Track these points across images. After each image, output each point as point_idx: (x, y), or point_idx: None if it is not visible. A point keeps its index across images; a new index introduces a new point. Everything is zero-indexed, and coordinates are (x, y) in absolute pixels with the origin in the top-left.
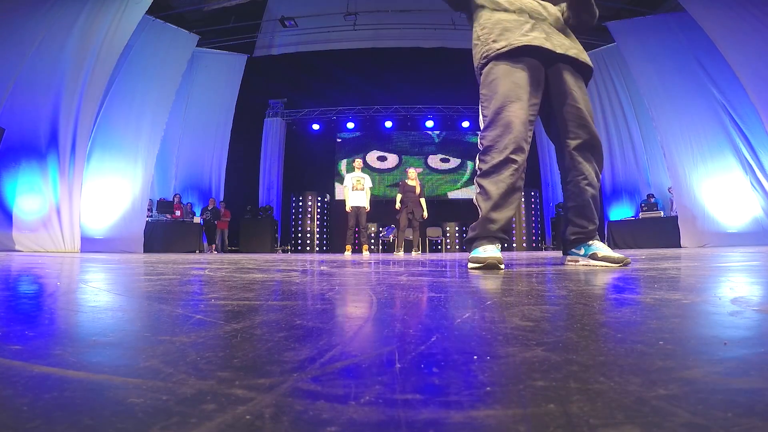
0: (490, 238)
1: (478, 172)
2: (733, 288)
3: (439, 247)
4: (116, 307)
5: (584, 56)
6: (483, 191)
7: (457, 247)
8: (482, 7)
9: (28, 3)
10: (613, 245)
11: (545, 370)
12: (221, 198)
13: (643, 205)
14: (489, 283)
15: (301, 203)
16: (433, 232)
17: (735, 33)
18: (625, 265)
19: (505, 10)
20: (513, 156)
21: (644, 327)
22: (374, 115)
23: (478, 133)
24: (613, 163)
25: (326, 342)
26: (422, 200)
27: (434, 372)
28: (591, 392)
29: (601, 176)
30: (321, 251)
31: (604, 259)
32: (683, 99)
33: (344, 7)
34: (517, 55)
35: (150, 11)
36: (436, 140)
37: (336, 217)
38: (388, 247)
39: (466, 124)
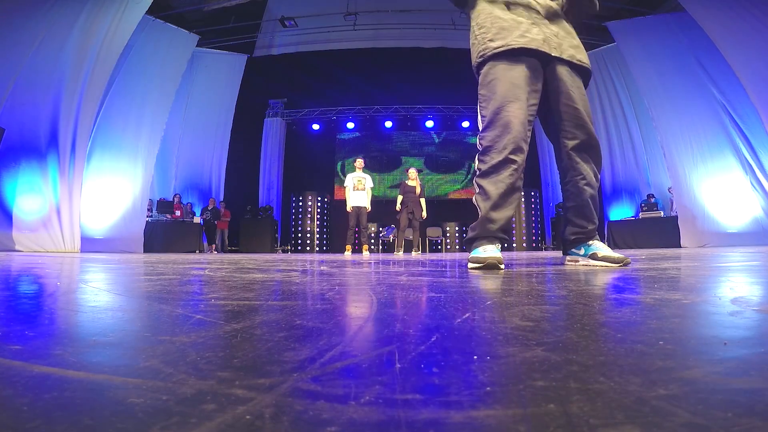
0: (490, 238)
1: (478, 173)
2: (733, 288)
3: (439, 247)
4: (116, 307)
5: (582, 56)
6: (482, 191)
7: (457, 247)
8: None
9: (28, 3)
10: (613, 245)
11: (545, 370)
12: (221, 198)
13: (643, 205)
14: (489, 283)
15: (301, 203)
16: (433, 232)
17: (735, 33)
18: (625, 265)
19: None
20: (512, 156)
21: (644, 327)
22: (374, 115)
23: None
24: (613, 163)
25: (326, 342)
26: (422, 200)
27: (434, 372)
28: (591, 392)
29: (600, 176)
30: (321, 251)
31: (604, 259)
32: (683, 99)
33: (344, 7)
34: (515, 54)
35: (150, 11)
36: (436, 140)
37: (336, 217)
38: (388, 247)
39: (466, 124)
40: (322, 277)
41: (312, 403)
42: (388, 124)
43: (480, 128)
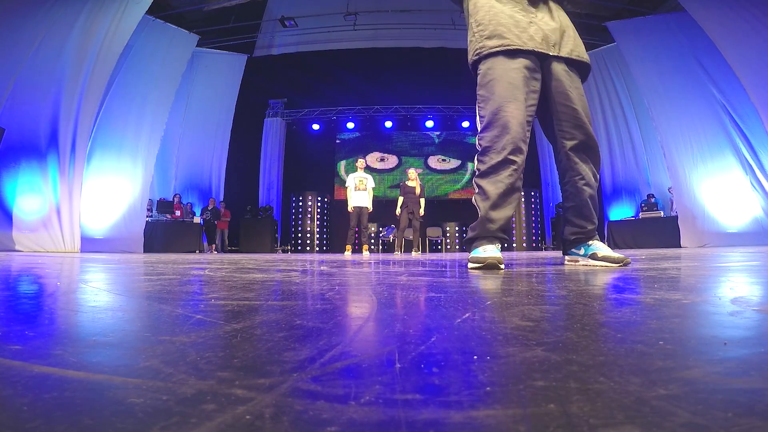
0: (490, 238)
1: (477, 173)
2: (733, 288)
3: (439, 247)
4: (116, 307)
5: (580, 49)
6: (482, 191)
7: (457, 247)
8: None
9: (28, 3)
10: (613, 245)
11: (545, 370)
12: (221, 198)
13: (643, 205)
14: (489, 283)
15: (301, 203)
16: (433, 232)
17: (735, 33)
18: (625, 265)
19: None
20: (511, 157)
21: (644, 327)
22: (374, 115)
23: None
24: (613, 163)
25: (326, 342)
26: (422, 200)
27: (434, 372)
28: (591, 392)
29: (599, 176)
30: (321, 251)
31: (604, 259)
32: (683, 99)
33: (344, 7)
34: (512, 54)
35: (150, 11)
36: (436, 140)
37: (336, 217)
38: (388, 247)
39: (466, 124)
40: (322, 277)
41: (312, 403)
42: (388, 124)
43: (479, 129)
